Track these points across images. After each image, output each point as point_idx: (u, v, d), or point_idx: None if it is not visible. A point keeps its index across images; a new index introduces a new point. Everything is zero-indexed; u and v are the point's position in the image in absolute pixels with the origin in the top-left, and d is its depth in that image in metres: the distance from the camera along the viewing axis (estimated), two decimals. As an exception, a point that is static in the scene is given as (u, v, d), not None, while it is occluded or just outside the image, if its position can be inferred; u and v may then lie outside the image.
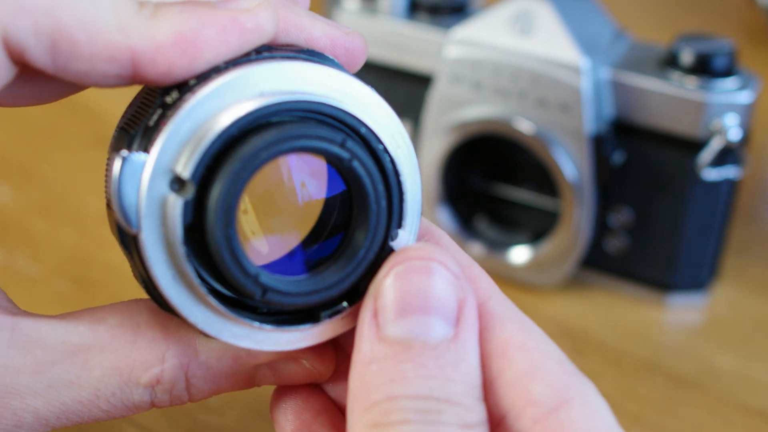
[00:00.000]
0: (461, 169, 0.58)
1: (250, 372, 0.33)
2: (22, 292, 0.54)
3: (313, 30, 0.32)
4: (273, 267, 0.31)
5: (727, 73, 0.51)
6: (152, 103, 0.30)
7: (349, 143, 0.30)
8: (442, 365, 0.29)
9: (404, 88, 0.58)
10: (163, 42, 0.28)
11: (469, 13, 0.57)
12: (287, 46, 0.32)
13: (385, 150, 0.31)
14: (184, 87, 0.29)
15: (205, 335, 0.31)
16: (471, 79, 0.54)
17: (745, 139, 0.52)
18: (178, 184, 0.28)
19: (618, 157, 0.53)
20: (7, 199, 0.63)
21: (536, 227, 0.57)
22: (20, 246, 0.58)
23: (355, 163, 0.30)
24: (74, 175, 0.66)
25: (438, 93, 0.55)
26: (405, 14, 0.57)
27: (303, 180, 0.32)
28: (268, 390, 0.36)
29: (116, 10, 0.28)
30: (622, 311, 0.56)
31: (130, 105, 0.32)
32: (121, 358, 0.32)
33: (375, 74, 0.58)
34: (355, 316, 0.32)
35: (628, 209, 0.55)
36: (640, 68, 0.53)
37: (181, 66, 0.29)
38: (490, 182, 0.59)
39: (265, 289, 0.30)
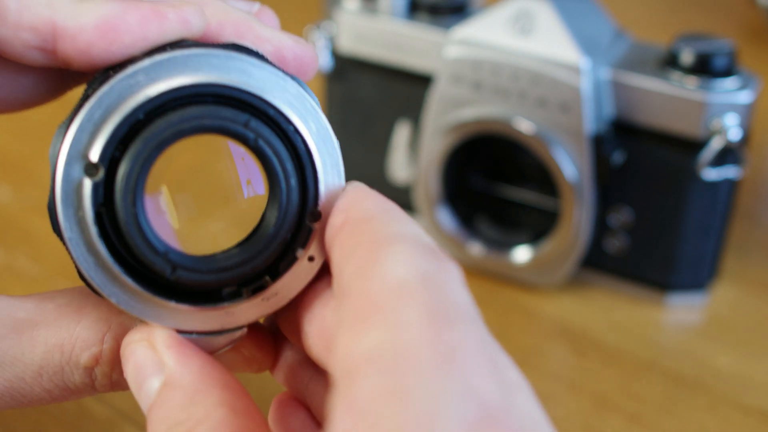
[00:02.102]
0: (461, 169, 0.58)
1: None
2: (22, 292, 0.54)
3: (262, 32, 0.33)
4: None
5: (727, 73, 0.51)
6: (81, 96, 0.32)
7: (254, 123, 0.31)
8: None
9: (404, 88, 0.58)
10: (86, 23, 0.30)
11: (469, 13, 0.57)
12: (214, 42, 0.33)
13: (296, 131, 0.32)
14: (104, 77, 0.31)
15: (129, 314, 0.32)
16: (471, 79, 0.54)
17: (745, 139, 0.52)
18: (90, 168, 0.30)
19: (618, 157, 0.53)
20: (7, 199, 0.63)
21: (536, 227, 0.57)
22: (20, 246, 0.58)
23: (261, 142, 0.31)
24: (74, 175, 0.66)
25: (438, 93, 0.55)
26: (405, 14, 0.57)
27: (249, 177, 0.32)
28: (266, 390, 0.36)
29: None
30: (621, 311, 0.56)
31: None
32: (64, 336, 0.32)
33: (375, 74, 0.58)
34: (278, 298, 0.32)
35: (628, 209, 0.55)
36: (640, 68, 0.53)
37: (100, 47, 0.30)
38: (491, 182, 0.59)
39: (175, 266, 0.31)
